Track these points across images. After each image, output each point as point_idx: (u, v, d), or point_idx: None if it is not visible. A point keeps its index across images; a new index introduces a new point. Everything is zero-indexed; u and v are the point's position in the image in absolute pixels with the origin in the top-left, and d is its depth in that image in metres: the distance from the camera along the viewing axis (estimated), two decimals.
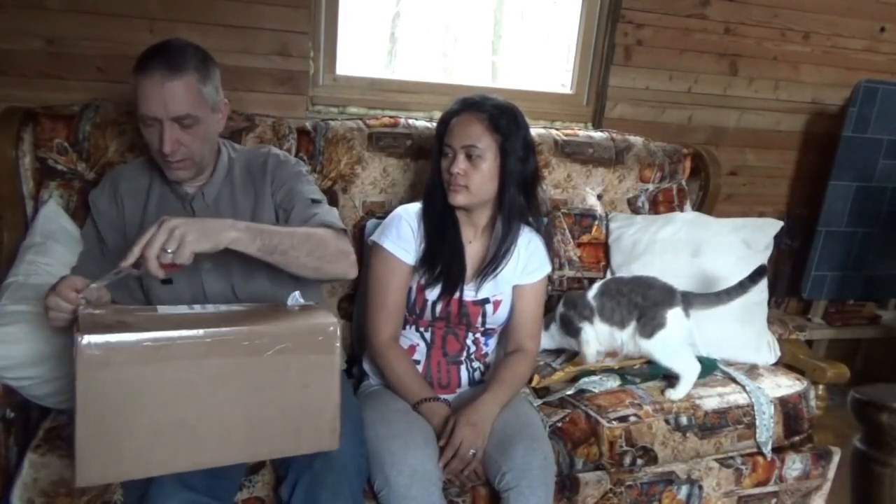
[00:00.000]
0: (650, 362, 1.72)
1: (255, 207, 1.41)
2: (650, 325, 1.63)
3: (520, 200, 1.49)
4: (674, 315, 1.64)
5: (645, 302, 1.66)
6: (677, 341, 1.66)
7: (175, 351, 0.94)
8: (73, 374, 0.89)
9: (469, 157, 1.43)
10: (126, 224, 1.39)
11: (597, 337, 1.71)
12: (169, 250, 1.00)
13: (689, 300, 1.68)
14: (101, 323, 0.94)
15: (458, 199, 1.45)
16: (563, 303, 1.76)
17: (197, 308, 1.04)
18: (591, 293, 1.73)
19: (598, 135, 2.11)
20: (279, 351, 0.99)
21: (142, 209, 1.39)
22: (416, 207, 1.54)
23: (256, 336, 0.98)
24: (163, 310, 1.02)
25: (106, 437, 0.92)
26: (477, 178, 1.43)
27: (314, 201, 1.40)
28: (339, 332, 1.03)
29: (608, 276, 1.90)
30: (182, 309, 1.03)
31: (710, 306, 1.71)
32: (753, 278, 1.68)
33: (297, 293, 1.12)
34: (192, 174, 1.36)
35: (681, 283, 1.72)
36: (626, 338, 1.69)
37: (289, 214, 1.37)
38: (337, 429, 1.05)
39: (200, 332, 0.95)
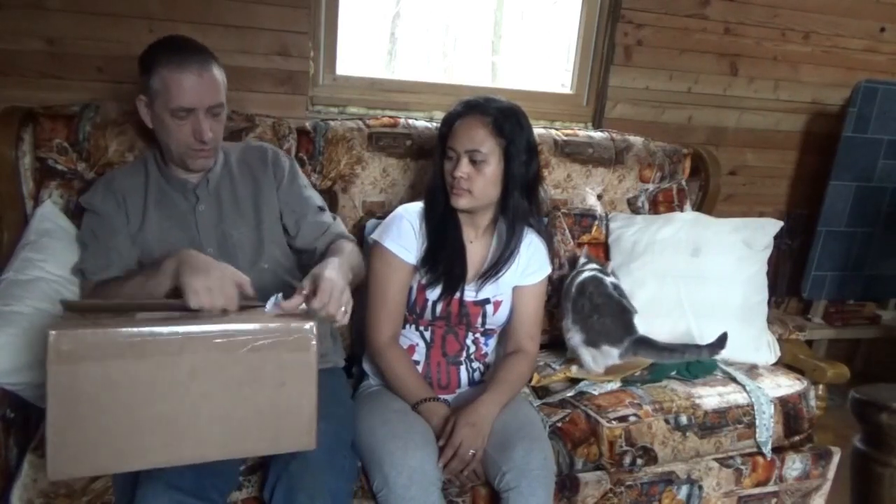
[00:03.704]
0: (651, 369, 1.72)
1: (257, 194, 1.49)
2: (592, 337, 1.68)
3: (523, 204, 1.48)
4: (607, 351, 1.66)
5: (599, 322, 1.67)
6: (595, 364, 1.69)
7: (147, 347, 0.94)
8: (44, 367, 0.89)
9: (473, 161, 1.42)
10: (129, 217, 1.41)
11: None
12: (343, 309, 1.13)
13: (637, 350, 1.66)
14: (75, 320, 0.94)
15: (461, 202, 1.45)
16: (576, 289, 1.76)
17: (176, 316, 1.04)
18: (577, 280, 1.75)
19: (598, 135, 2.11)
20: (253, 348, 0.99)
21: (142, 204, 1.42)
22: (417, 207, 1.53)
23: (230, 333, 0.98)
24: (141, 316, 1.02)
25: (78, 431, 0.92)
26: (480, 183, 1.43)
27: (321, 209, 1.54)
28: (315, 331, 1.02)
29: (609, 272, 1.84)
30: (159, 316, 1.03)
31: (658, 359, 1.70)
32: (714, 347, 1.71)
33: (279, 295, 1.10)
34: (212, 161, 1.43)
35: (680, 283, 1.72)
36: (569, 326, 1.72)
37: (302, 217, 1.50)
38: (314, 429, 1.04)
39: (173, 328, 0.95)
